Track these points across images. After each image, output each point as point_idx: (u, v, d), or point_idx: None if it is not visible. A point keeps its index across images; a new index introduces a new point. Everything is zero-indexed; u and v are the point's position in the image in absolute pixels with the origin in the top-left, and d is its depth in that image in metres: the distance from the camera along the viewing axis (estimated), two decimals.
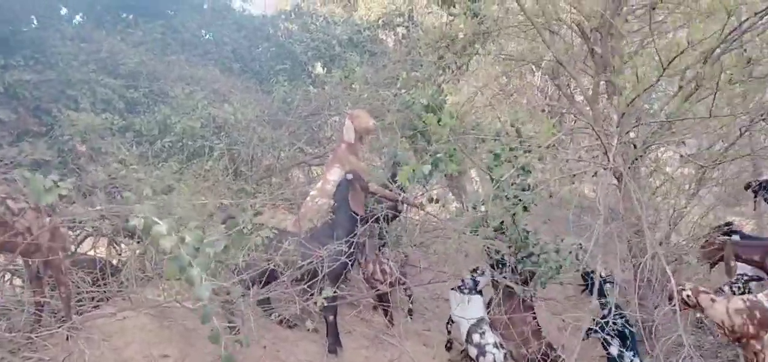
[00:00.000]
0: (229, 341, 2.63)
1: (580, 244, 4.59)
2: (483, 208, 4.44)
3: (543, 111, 7.50)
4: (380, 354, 4.63)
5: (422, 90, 5.41)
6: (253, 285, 4.02)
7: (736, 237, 5.04)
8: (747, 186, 5.48)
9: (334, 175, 5.04)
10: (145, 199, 4.01)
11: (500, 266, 4.74)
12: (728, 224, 5.30)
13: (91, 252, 4.79)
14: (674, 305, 3.82)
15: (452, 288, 4.85)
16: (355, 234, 4.25)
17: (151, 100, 6.58)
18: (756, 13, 4.29)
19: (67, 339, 3.42)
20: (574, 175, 4.76)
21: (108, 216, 4.13)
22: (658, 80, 3.63)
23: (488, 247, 4.65)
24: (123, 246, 4.90)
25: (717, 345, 5.37)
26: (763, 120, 5.21)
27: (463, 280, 4.75)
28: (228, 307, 3.67)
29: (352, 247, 4.14)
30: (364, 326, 5.00)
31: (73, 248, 4.57)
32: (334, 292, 3.96)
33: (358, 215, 4.35)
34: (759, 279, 5.02)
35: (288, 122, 6.06)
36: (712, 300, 3.94)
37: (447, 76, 5.92)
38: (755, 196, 5.36)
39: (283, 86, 6.73)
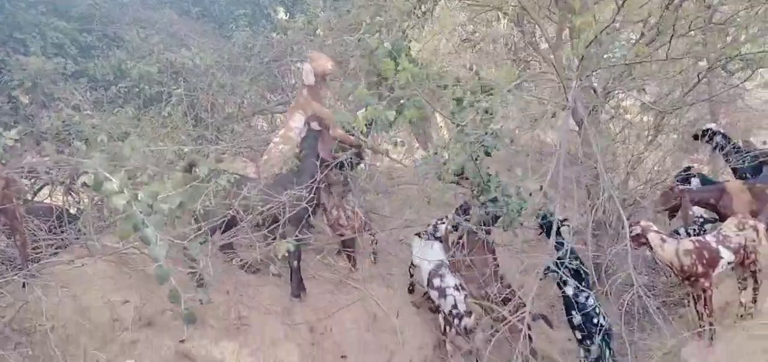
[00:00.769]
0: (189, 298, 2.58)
1: (541, 186, 4.68)
2: (445, 154, 4.46)
3: (508, 58, 7.49)
4: (344, 298, 4.68)
5: (386, 35, 5.34)
6: (214, 232, 3.99)
7: (696, 181, 5.23)
8: (695, 137, 5.67)
9: (297, 121, 5.00)
10: (99, 146, 3.92)
11: (464, 212, 4.82)
12: (688, 168, 5.49)
13: (48, 201, 4.67)
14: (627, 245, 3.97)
15: (415, 234, 4.93)
16: (317, 180, 4.24)
17: (105, 44, 6.33)
18: None
19: (24, 286, 3.36)
20: (536, 120, 4.82)
21: (61, 165, 4.02)
22: (614, 20, 3.65)
23: (456, 193, 4.71)
24: (80, 193, 4.78)
25: (669, 284, 5.60)
26: (721, 66, 5.32)
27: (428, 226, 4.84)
28: (188, 253, 3.65)
29: (314, 193, 4.14)
30: (328, 271, 5.03)
31: (29, 197, 4.45)
32: (297, 237, 3.96)
33: (321, 163, 4.33)
34: (714, 220, 5.22)
35: (249, 68, 5.92)
36: (663, 241, 4.09)
37: (411, 22, 5.84)
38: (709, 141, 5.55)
39: (243, 31, 6.55)
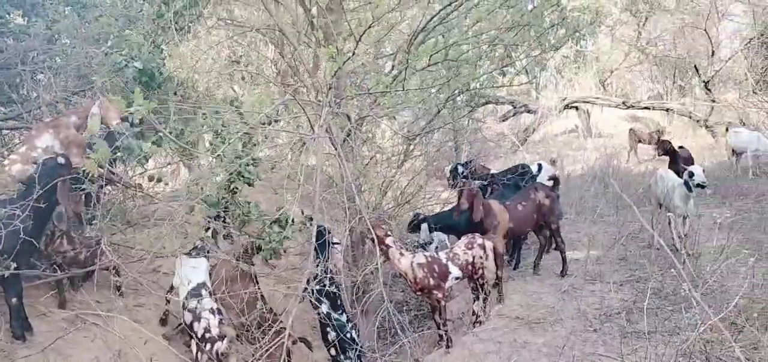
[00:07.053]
0: None
1: (302, 211, 4.75)
2: (201, 187, 4.29)
3: (274, 82, 7.52)
4: (81, 335, 4.21)
5: (138, 52, 4.97)
6: None
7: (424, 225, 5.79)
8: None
9: (44, 142, 4.57)
10: None
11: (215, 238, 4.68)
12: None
13: None
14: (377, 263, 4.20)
15: (185, 253, 4.62)
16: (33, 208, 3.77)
17: None
18: (448, 4, 4.89)
19: None
20: (293, 145, 4.89)
21: None
22: (353, 52, 3.88)
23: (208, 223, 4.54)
24: None
25: (421, 299, 6.06)
26: (467, 101, 6.01)
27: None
28: None
29: (36, 223, 3.67)
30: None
31: None
32: (13, 271, 3.45)
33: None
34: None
35: None
36: (401, 255, 4.43)
37: (167, 37, 5.52)
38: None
39: None
